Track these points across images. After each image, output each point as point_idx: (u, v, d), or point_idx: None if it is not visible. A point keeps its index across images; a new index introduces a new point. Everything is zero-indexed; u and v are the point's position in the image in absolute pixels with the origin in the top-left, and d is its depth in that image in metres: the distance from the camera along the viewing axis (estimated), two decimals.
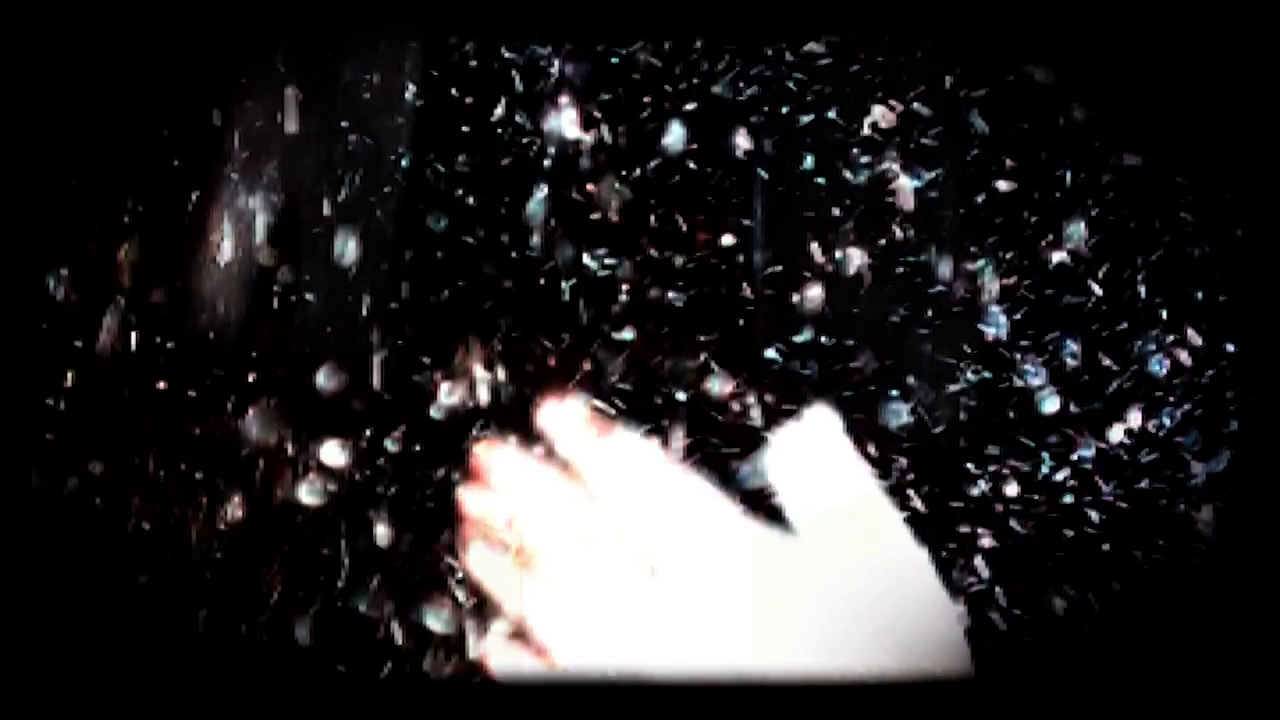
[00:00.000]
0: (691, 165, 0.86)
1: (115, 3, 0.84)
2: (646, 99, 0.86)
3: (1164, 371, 0.84)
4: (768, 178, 0.85)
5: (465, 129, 0.86)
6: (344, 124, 0.86)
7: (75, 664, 0.79)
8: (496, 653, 0.81)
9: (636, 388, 0.84)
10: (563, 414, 0.82)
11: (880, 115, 0.85)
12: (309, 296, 0.85)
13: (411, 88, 0.86)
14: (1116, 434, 0.84)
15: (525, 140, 0.86)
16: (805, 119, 0.85)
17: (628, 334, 0.85)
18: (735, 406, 0.84)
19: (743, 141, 0.85)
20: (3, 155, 0.84)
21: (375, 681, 0.81)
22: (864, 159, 0.85)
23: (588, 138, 0.85)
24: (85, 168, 0.86)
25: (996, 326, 0.84)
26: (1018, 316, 0.84)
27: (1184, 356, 0.84)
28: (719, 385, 0.84)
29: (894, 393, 0.84)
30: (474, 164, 0.86)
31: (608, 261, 0.85)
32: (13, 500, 0.81)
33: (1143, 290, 0.84)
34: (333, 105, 0.87)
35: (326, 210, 0.86)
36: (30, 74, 0.84)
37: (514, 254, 0.85)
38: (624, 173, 0.85)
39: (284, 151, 0.86)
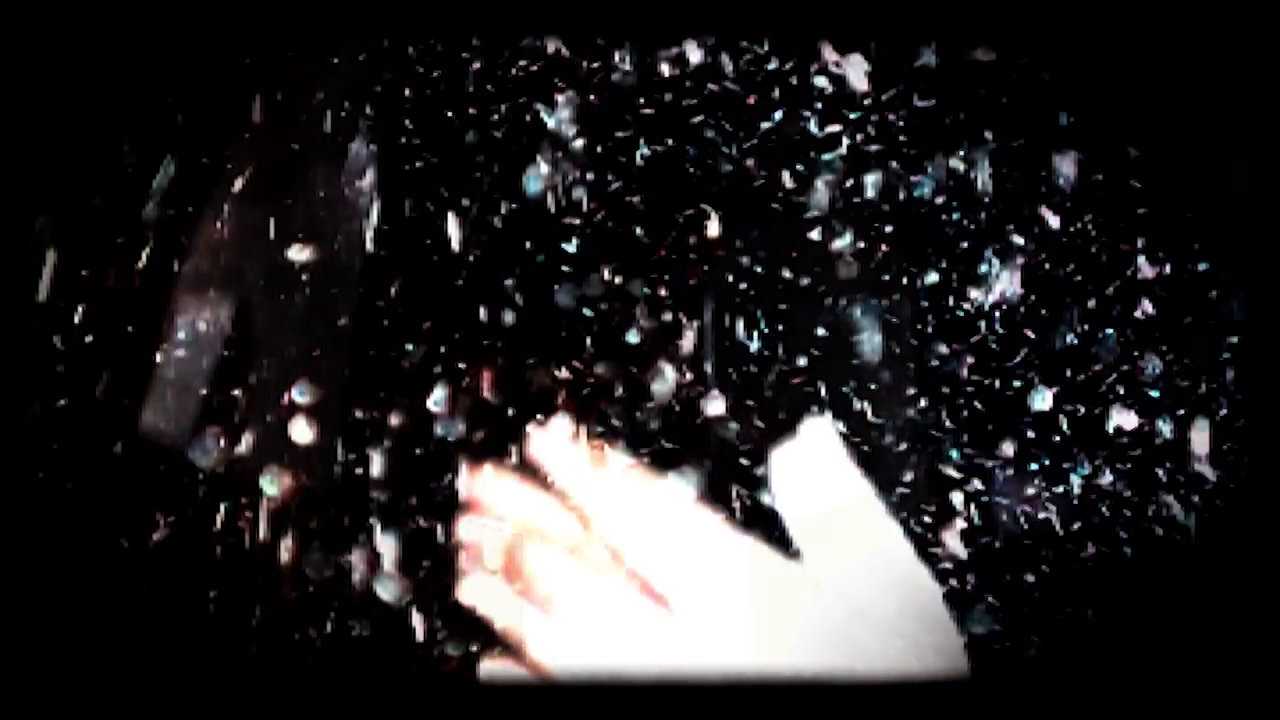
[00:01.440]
0: (690, 165, 0.86)
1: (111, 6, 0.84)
2: (639, 101, 0.86)
3: (1161, 369, 0.84)
4: (761, 185, 0.86)
5: (459, 137, 0.86)
6: (337, 129, 0.86)
7: (75, 664, 0.78)
8: (498, 655, 0.81)
9: (625, 400, 0.84)
10: (554, 429, 0.83)
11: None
12: (311, 309, 0.85)
13: (403, 91, 0.86)
14: (1112, 434, 0.84)
15: (517, 148, 0.86)
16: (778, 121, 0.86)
17: (619, 345, 0.85)
18: (732, 414, 0.84)
19: (725, 144, 0.85)
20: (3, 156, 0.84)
21: (377, 684, 0.81)
22: (851, 161, 0.85)
23: (579, 144, 0.85)
24: (83, 169, 0.86)
25: (990, 327, 0.85)
26: (1011, 315, 0.85)
27: (1184, 354, 0.84)
28: (715, 394, 0.85)
29: (890, 395, 0.84)
30: (469, 172, 0.86)
31: (599, 276, 0.85)
32: (13, 500, 0.81)
33: (1139, 289, 0.85)
34: (326, 109, 0.87)
35: (321, 219, 0.86)
36: (25, 78, 0.84)
37: (509, 268, 0.85)
38: (619, 176, 0.86)
39: (280, 156, 0.86)
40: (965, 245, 0.85)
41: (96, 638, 0.80)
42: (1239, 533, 0.82)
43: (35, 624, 0.78)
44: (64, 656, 0.78)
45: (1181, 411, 0.84)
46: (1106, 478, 0.83)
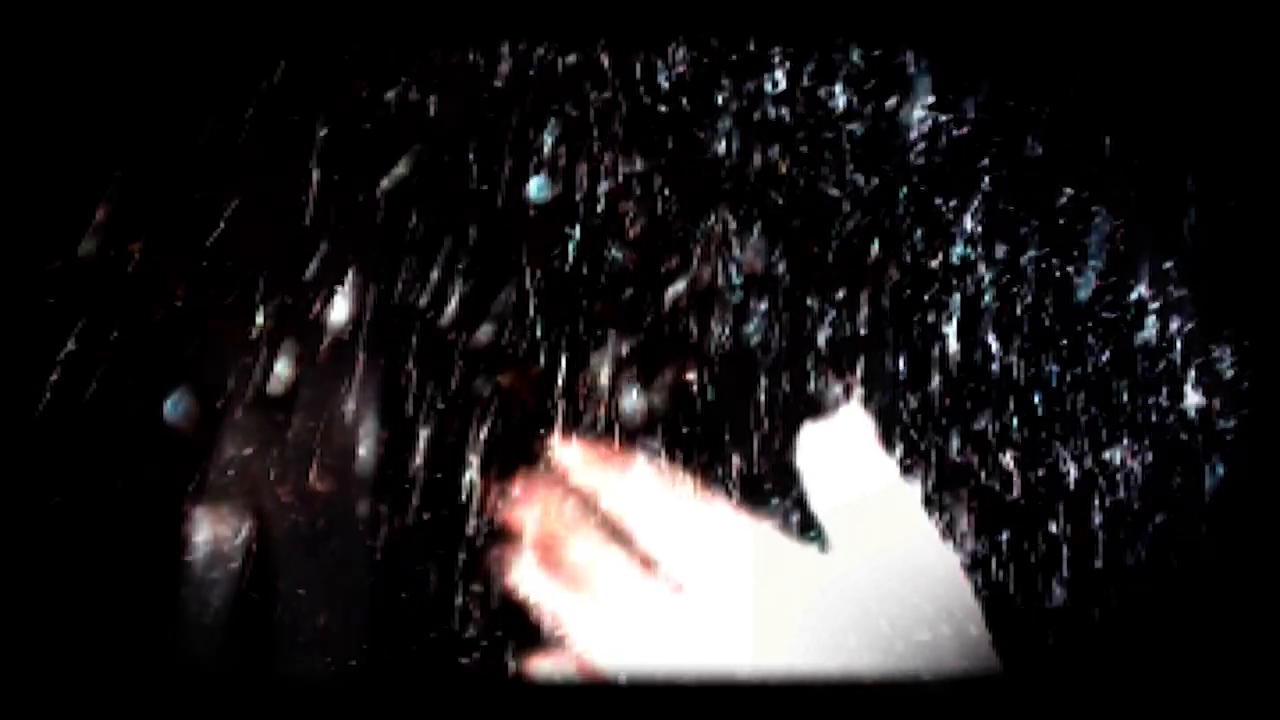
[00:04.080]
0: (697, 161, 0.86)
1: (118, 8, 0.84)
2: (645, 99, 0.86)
3: (1189, 366, 0.84)
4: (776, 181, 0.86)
5: (468, 146, 0.86)
6: (344, 131, 0.86)
7: (75, 664, 0.77)
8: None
9: (646, 396, 0.84)
10: (573, 427, 0.82)
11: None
12: (327, 309, 0.85)
13: (409, 93, 0.86)
14: (1141, 431, 0.83)
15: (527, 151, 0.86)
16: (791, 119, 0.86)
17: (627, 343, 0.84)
18: (750, 407, 0.84)
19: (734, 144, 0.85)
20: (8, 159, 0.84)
21: (389, 681, 0.80)
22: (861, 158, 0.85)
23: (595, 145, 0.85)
24: (85, 171, 0.85)
25: (1010, 320, 0.84)
26: (1030, 311, 0.84)
27: (1199, 353, 0.84)
28: (734, 388, 0.84)
29: (912, 387, 0.84)
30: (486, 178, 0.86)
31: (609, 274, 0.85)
32: (12, 500, 0.80)
33: (1149, 287, 0.85)
34: (333, 111, 0.86)
35: (329, 225, 0.85)
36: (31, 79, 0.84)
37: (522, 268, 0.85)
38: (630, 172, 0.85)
39: (289, 161, 0.86)
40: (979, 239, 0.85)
41: (102, 638, 0.78)
42: (1269, 531, 0.82)
43: (35, 624, 0.77)
44: (64, 657, 0.77)
45: (1211, 408, 0.83)
46: (1138, 470, 0.83)
